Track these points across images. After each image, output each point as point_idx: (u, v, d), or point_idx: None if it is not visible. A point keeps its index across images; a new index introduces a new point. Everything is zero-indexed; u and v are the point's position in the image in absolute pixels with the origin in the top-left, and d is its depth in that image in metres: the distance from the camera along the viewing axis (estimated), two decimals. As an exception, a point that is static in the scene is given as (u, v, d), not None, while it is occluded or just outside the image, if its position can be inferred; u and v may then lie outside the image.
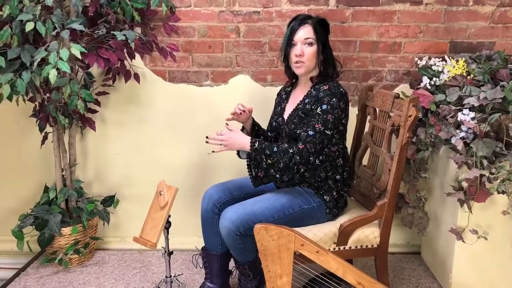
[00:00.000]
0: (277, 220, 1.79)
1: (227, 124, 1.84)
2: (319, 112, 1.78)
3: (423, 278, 2.32)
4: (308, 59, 1.86)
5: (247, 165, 1.84)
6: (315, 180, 1.88)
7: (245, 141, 1.77)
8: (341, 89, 1.83)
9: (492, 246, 2.01)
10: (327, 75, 1.90)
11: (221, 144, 1.79)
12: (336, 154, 1.89)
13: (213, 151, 1.81)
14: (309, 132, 1.76)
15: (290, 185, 1.94)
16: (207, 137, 1.80)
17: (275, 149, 1.75)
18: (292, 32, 1.87)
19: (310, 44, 1.85)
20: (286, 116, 1.97)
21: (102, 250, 2.66)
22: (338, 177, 1.90)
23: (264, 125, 2.14)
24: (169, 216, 1.90)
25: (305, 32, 1.85)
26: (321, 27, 1.87)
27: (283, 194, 1.87)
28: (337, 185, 1.90)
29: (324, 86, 1.84)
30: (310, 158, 1.76)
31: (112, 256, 2.58)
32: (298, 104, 1.91)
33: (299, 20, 1.88)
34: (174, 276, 2.05)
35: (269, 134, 2.10)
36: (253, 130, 2.07)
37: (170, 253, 1.98)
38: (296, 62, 1.88)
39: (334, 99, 1.79)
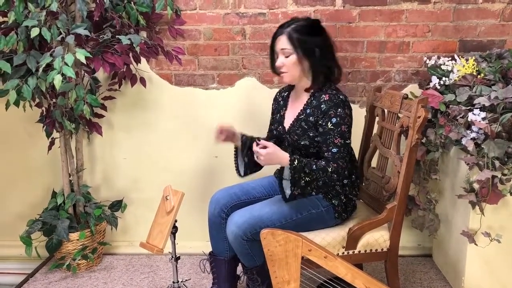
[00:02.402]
0: (284, 225, 1.77)
1: (258, 140, 1.75)
2: (332, 127, 1.74)
3: (434, 282, 2.28)
4: (288, 69, 1.81)
5: (278, 183, 1.80)
6: None
7: (284, 160, 1.72)
8: (341, 96, 1.78)
9: (506, 249, 1.96)
10: (320, 83, 1.83)
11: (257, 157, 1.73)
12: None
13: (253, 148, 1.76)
14: (332, 150, 1.74)
15: None
16: (258, 139, 1.75)
17: (313, 167, 1.71)
18: (271, 42, 1.84)
19: (288, 54, 1.79)
20: (287, 125, 1.92)
21: (110, 255, 2.65)
22: (345, 181, 1.87)
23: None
24: (176, 221, 1.88)
25: (281, 43, 1.79)
26: (302, 33, 1.76)
27: None
28: (345, 189, 1.87)
29: (324, 96, 1.78)
30: (346, 172, 1.77)
31: (120, 261, 2.57)
32: (299, 114, 1.86)
33: (277, 29, 1.82)
34: (181, 282, 2.03)
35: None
36: (245, 145, 1.99)
37: (177, 258, 1.96)
38: (280, 72, 1.84)
39: (339, 109, 1.74)
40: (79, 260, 2.39)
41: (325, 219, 1.85)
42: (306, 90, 1.86)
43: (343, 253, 1.82)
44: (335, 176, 1.73)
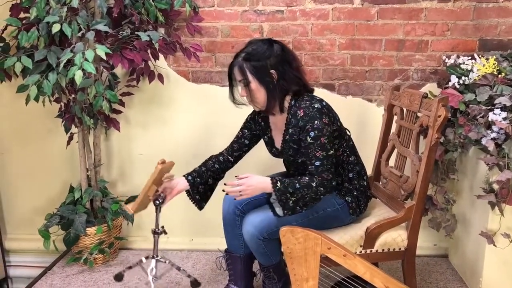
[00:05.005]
0: (300, 224, 1.76)
1: (236, 176, 1.77)
2: (311, 141, 1.70)
3: (451, 282, 2.26)
4: (253, 98, 1.79)
5: (266, 201, 1.82)
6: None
7: (266, 184, 1.72)
8: (315, 106, 1.73)
9: (525, 250, 1.95)
10: (291, 100, 1.80)
11: (241, 194, 1.74)
12: (345, 155, 1.85)
13: (227, 194, 1.79)
14: (315, 163, 1.71)
15: None
16: (223, 190, 1.78)
17: (297, 185, 1.69)
18: (229, 73, 1.82)
19: (246, 84, 1.77)
20: (278, 146, 1.91)
21: (126, 249, 2.67)
22: (350, 175, 1.86)
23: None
24: (157, 190, 1.87)
25: (236, 75, 1.79)
26: (252, 60, 1.74)
27: None
28: (354, 183, 1.86)
29: (299, 112, 1.74)
30: (333, 183, 1.73)
31: (136, 256, 2.59)
32: (284, 135, 1.84)
33: (233, 59, 1.80)
34: (159, 258, 1.97)
35: (229, 158, 2.03)
36: (194, 186, 1.99)
37: (158, 233, 1.93)
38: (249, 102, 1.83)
39: (315, 121, 1.70)
40: (96, 254, 2.42)
41: (340, 216, 1.85)
42: (281, 110, 1.83)
43: (361, 252, 1.81)
44: (322, 189, 1.70)
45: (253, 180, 1.73)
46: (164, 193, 1.92)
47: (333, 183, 1.73)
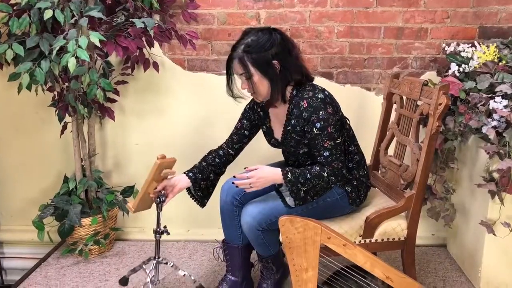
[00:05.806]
0: (299, 214, 1.72)
1: (245, 168, 1.73)
2: (318, 132, 1.67)
3: (449, 272, 2.25)
4: (255, 90, 1.73)
5: (276, 191, 1.77)
6: None
7: (276, 176, 1.68)
8: (319, 96, 1.69)
9: (525, 239, 1.94)
10: (293, 90, 1.76)
11: (251, 186, 1.69)
12: (345, 145, 1.82)
13: (237, 187, 1.73)
14: (324, 154, 1.68)
15: None
16: (233, 183, 1.72)
17: (308, 176, 1.66)
18: (227, 65, 1.76)
19: (247, 77, 1.70)
20: (278, 136, 1.87)
21: (121, 240, 2.64)
22: (350, 164, 1.83)
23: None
24: (155, 188, 1.83)
25: (236, 69, 1.73)
26: (253, 52, 1.67)
27: None
28: (353, 172, 1.83)
29: (303, 103, 1.70)
30: (344, 171, 1.72)
31: (132, 247, 2.57)
32: (286, 126, 1.80)
33: (230, 52, 1.73)
34: (161, 259, 1.93)
35: (229, 151, 1.97)
36: (196, 183, 1.92)
37: (160, 232, 1.88)
38: (251, 94, 1.77)
39: (320, 112, 1.67)
40: (91, 245, 2.39)
41: (340, 206, 1.83)
42: (283, 101, 1.78)
43: (360, 241, 1.80)
44: (333, 178, 1.69)
45: (263, 171, 1.69)
46: (166, 191, 1.87)
47: (344, 171, 1.72)
